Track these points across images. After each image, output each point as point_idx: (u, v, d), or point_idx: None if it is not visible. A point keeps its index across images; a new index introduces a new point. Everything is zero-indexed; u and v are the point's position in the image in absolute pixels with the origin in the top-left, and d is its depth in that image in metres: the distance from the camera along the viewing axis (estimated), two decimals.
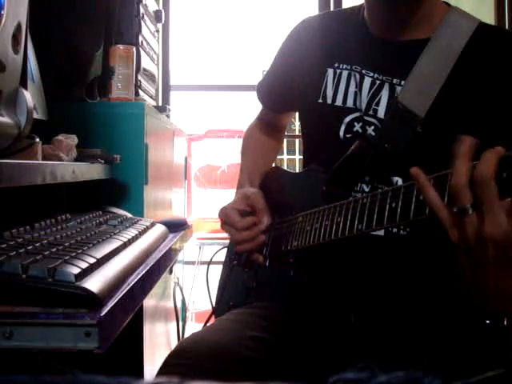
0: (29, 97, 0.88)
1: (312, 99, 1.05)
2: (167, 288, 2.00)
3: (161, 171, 1.75)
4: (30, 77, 1.13)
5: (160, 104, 2.81)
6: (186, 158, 2.41)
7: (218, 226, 1.11)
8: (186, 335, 0.97)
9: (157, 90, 2.31)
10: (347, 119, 1.01)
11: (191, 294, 2.96)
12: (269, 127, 1.29)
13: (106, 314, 0.56)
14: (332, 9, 3.02)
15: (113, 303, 0.60)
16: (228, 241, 1.24)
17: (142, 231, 0.97)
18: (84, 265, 0.63)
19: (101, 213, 1.15)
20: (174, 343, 2.04)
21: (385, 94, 0.98)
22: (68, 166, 1.06)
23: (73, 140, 1.19)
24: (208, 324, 1.09)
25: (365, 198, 0.82)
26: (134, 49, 1.54)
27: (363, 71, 1.01)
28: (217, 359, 0.84)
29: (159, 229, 1.09)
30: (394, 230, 0.95)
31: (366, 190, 0.97)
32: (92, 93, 1.54)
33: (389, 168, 0.96)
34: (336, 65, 1.04)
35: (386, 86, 0.99)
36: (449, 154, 0.70)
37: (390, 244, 0.95)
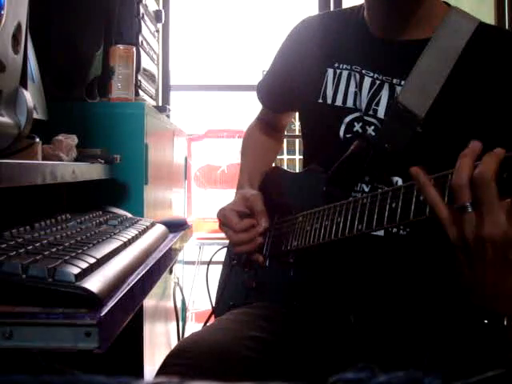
0: (29, 97, 0.88)
1: (312, 99, 1.05)
2: (167, 288, 2.00)
3: (161, 171, 1.75)
4: (30, 77, 1.13)
5: (160, 104, 2.81)
6: (186, 158, 2.41)
7: (217, 226, 1.11)
8: (186, 335, 0.97)
9: (157, 90, 2.31)
10: (347, 119, 1.01)
11: (191, 294, 2.96)
12: (269, 127, 1.29)
13: (106, 314, 0.56)
14: (332, 9, 3.02)
15: (113, 303, 0.60)
16: (228, 241, 1.24)
17: (142, 231, 0.97)
18: (84, 265, 0.63)
19: (101, 213, 1.15)
20: (174, 343, 2.04)
21: (385, 94, 0.98)
22: (68, 166, 1.06)
23: (73, 140, 1.19)
24: (208, 324, 1.09)
25: (365, 198, 0.82)
26: (134, 49, 1.54)
27: (363, 71, 1.01)
28: (216, 359, 0.84)
29: (159, 229, 1.09)
30: (394, 230, 0.95)
31: (366, 190, 0.97)
32: (92, 93, 1.54)
33: (389, 168, 0.96)
34: (336, 65, 1.04)
35: (386, 86, 0.99)
36: (449, 154, 0.70)
37: (389, 244, 0.95)
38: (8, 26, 0.79)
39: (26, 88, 0.89)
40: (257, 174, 1.19)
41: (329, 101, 1.03)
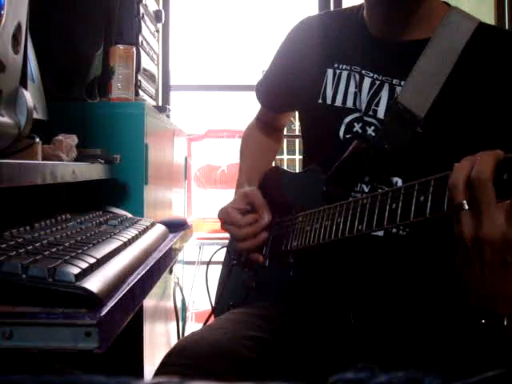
0: (29, 97, 0.88)
1: (311, 99, 1.05)
2: (167, 288, 2.00)
3: (161, 171, 1.75)
4: (30, 77, 1.13)
5: (160, 104, 2.81)
6: (186, 158, 2.41)
7: (217, 226, 1.11)
8: (186, 335, 0.97)
9: (157, 90, 2.31)
10: (347, 119, 1.01)
11: (191, 294, 2.96)
12: (268, 127, 1.29)
13: (105, 313, 0.56)
14: (332, 9, 3.02)
15: (113, 303, 0.60)
16: (227, 241, 1.24)
17: (142, 231, 0.97)
18: (84, 265, 0.63)
19: (101, 213, 1.15)
20: (174, 343, 2.04)
21: (384, 95, 0.98)
22: (68, 166, 1.06)
23: (73, 140, 1.19)
24: (207, 324, 1.09)
25: (365, 198, 0.82)
26: (134, 49, 1.54)
27: (363, 71, 1.01)
28: (216, 359, 0.84)
29: (159, 229, 1.09)
30: (394, 230, 0.95)
31: (366, 190, 0.97)
32: (92, 93, 1.54)
33: (388, 168, 0.96)
34: (335, 65, 1.04)
35: (386, 87, 0.98)
36: (449, 154, 0.70)
37: (389, 244, 0.95)
38: (8, 25, 0.79)
39: (26, 88, 0.89)
40: (256, 174, 1.19)
41: (328, 101, 1.03)
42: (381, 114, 0.98)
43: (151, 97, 1.94)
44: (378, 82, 0.99)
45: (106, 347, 0.55)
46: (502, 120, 0.92)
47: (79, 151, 1.22)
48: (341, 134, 1.01)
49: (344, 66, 1.03)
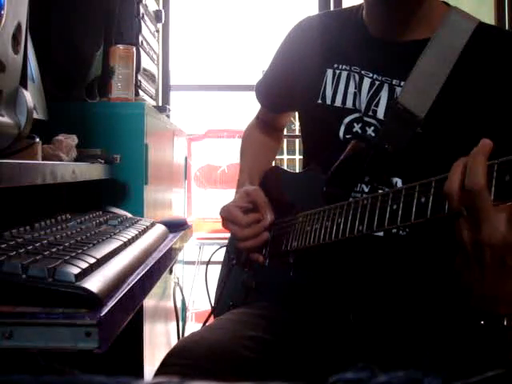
0: (29, 97, 0.88)
1: (311, 100, 1.05)
2: (167, 288, 2.00)
3: (161, 171, 1.75)
4: (30, 77, 1.13)
5: (160, 104, 2.81)
6: (186, 158, 2.41)
7: (217, 226, 1.12)
8: (186, 335, 0.97)
9: (157, 90, 2.31)
10: (347, 120, 1.01)
11: (191, 294, 2.96)
12: (268, 126, 1.29)
13: (105, 313, 0.56)
14: (332, 9, 3.02)
15: (113, 303, 0.60)
16: (226, 241, 1.24)
17: (142, 231, 0.97)
18: (84, 265, 0.63)
19: (101, 213, 1.15)
20: (174, 343, 2.04)
21: (384, 95, 0.98)
22: (68, 166, 1.06)
23: (73, 140, 1.19)
24: (207, 324, 1.09)
25: (365, 199, 0.82)
26: (134, 49, 1.54)
27: (362, 72, 1.01)
28: (215, 359, 0.85)
29: (159, 229, 1.09)
30: (394, 230, 0.95)
31: (366, 190, 0.97)
32: (92, 93, 1.54)
33: (388, 169, 0.96)
34: (335, 65, 1.04)
35: (386, 87, 0.98)
36: (449, 155, 0.70)
37: (389, 244, 0.95)
38: (8, 25, 0.79)
39: (26, 88, 0.89)
40: (256, 174, 1.19)
41: (328, 101, 1.03)
42: (380, 114, 0.98)
43: (151, 97, 1.94)
44: (377, 83, 0.99)
45: (106, 347, 0.55)
46: (502, 120, 0.92)
47: (79, 151, 1.22)
48: (340, 134, 1.01)
49: (343, 67, 1.03)
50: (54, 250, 0.68)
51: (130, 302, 0.67)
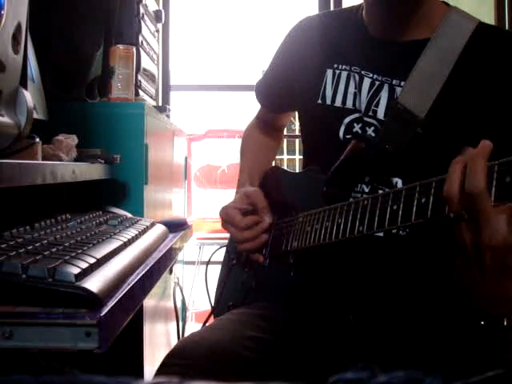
0: (29, 97, 0.88)
1: (311, 100, 1.05)
2: (167, 288, 2.00)
3: (161, 171, 1.75)
4: (30, 77, 1.13)
5: (160, 104, 2.81)
6: (186, 158, 2.41)
7: (217, 226, 1.11)
8: (186, 335, 0.97)
9: (157, 90, 2.31)
10: (347, 120, 1.01)
11: (191, 294, 2.96)
12: (268, 126, 1.29)
13: (105, 313, 0.56)
14: (332, 9, 3.02)
15: (113, 303, 0.60)
16: (226, 241, 1.24)
17: (142, 231, 0.97)
18: (84, 265, 0.63)
19: (101, 213, 1.15)
20: (174, 343, 2.04)
21: (384, 95, 0.98)
22: (68, 166, 1.06)
23: (73, 140, 1.19)
24: (207, 324, 1.09)
25: (366, 199, 0.82)
26: (134, 49, 1.54)
27: (362, 72, 1.01)
28: (215, 359, 0.85)
29: (159, 229, 1.09)
30: (394, 230, 0.94)
31: (366, 190, 0.97)
32: (92, 93, 1.54)
33: (389, 169, 0.96)
34: (335, 65, 1.04)
35: (386, 87, 0.98)
36: (449, 155, 0.70)
37: (389, 244, 0.95)
38: (8, 25, 0.79)
39: (26, 88, 0.89)
40: (256, 174, 1.19)
41: (328, 101, 1.03)
42: (381, 114, 0.98)
43: (151, 97, 1.94)
44: (377, 83, 0.99)
45: (106, 347, 0.55)
46: (502, 120, 0.92)
47: (79, 151, 1.22)
48: (341, 134, 1.01)
49: (343, 67, 1.03)
50: (53, 250, 0.68)
51: (130, 302, 0.67)
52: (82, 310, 0.56)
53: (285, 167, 1.29)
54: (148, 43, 1.85)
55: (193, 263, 3.00)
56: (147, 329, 1.49)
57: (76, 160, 1.19)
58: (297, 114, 1.20)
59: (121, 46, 1.51)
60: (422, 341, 0.92)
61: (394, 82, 0.98)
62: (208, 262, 1.25)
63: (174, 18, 3.16)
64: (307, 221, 0.97)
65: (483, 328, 0.93)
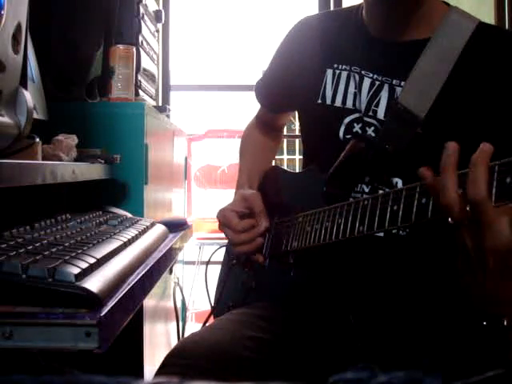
0: (29, 97, 0.88)
1: (311, 100, 1.05)
2: (167, 288, 2.00)
3: (161, 171, 1.75)
4: (30, 77, 1.13)
5: (160, 104, 2.81)
6: (186, 158, 2.41)
7: (217, 226, 1.11)
8: (186, 335, 0.97)
9: (157, 90, 2.31)
10: (347, 120, 1.01)
11: (191, 294, 2.96)
12: (267, 126, 1.29)
13: (105, 313, 0.56)
14: (332, 9, 3.02)
15: (113, 303, 0.60)
16: (226, 241, 1.24)
17: (142, 231, 0.97)
18: (84, 265, 0.63)
19: (101, 213, 1.15)
20: (174, 343, 2.04)
21: (384, 95, 0.98)
22: (68, 166, 1.06)
23: (73, 140, 1.19)
24: (207, 324, 1.09)
25: (366, 199, 0.82)
26: (134, 49, 1.54)
27: (362, 72, 1.01)
28: (216, 359, 0.85)
29: (159, 229, 1.09)
30: (394, 230, 0.94)
31: (366, 190, 0.97)
32: (92, 93, 1.54)
33: (389, 169, 0.96)
34: (335, 65, 1.04)
35: (386, 87, 0.98)
36: None
37: (389, 244, 0.95)
38: (8, 26, 0.79)
39: (26, 88, 0.89)
40: (256, 174, 1.19)
41: (328, 101, 1.03)
42: (381, 114, 0.98)
43: (151, 97, 1.94)
44: (377, 83, 0.99)
45: (106, 347, 0.55)
46: (502, 120, 0.92)
47: (79, 151, 1.22)
48: (341, 134, 1.01)
49: (343, 67, 1.03)
50: (53, 250, 0.68)
51: (130, 302, 0.67)
52: (82, 309, 0.56)
53: (285, 167, 1.29)
54: (148, 43, 1.85)
55: (193, 263, 3.00)
56: (147, 329, 1.49)
57: (76, 160, 1.19)
58: (297, 114, 1.20)
59: (121, 46, 1.51)
60: (422, 341, 0.92)
61: (394, 81, 0.98)
62: (208, 262, 1.25)
63: (174, 18, 3.16)
64: (307, 221, 0.97)
65: (483, 328, 0.93)
